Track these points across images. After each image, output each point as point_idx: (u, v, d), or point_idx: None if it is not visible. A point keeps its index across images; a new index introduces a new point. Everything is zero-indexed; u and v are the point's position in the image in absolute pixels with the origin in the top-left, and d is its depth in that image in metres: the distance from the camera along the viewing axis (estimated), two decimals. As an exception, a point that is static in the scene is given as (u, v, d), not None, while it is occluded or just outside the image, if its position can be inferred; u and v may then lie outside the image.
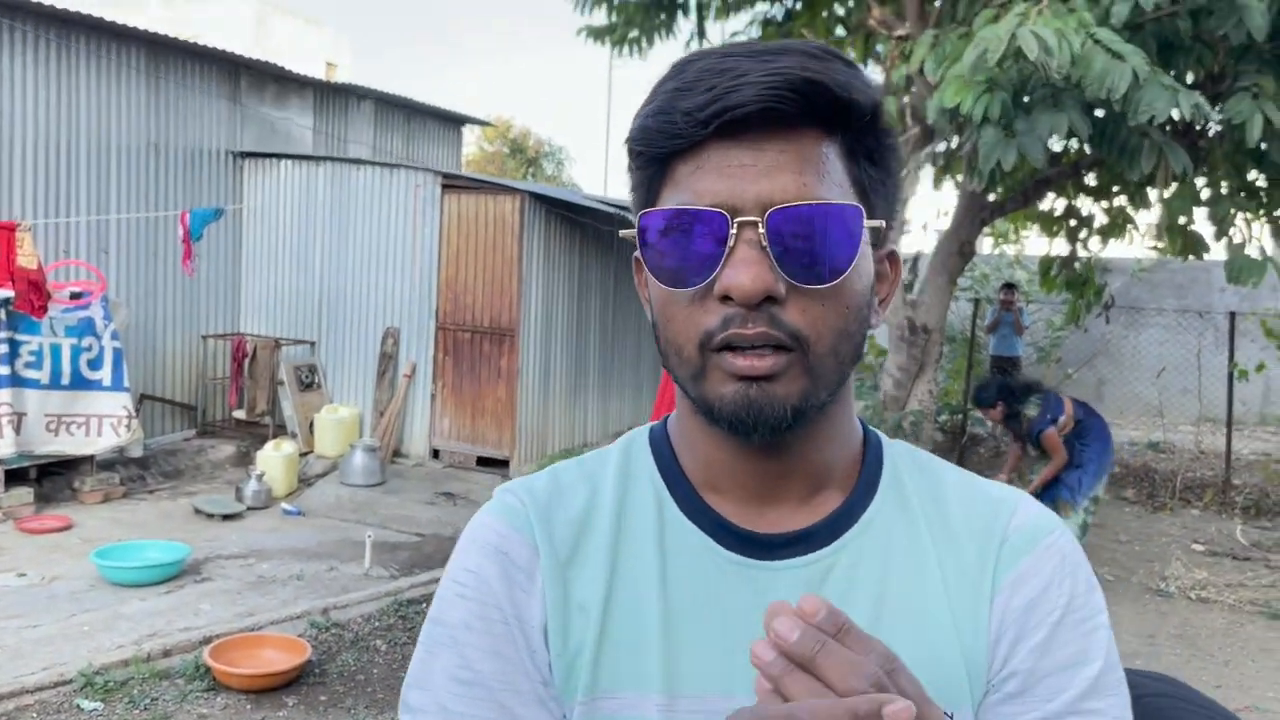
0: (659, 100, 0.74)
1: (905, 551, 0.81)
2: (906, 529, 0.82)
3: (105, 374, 7.04)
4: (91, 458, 7.13)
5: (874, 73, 7.57)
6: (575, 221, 9.49)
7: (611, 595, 0.80)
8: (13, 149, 7.26)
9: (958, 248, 7.50)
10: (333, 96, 10.27)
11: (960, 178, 7.18)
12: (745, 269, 0.70)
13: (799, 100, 0.71)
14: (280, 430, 8.53)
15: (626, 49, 8.05)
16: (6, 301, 6.47)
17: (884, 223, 0.79)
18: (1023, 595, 0.79)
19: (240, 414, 8.66)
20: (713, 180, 0.72)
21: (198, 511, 6.93)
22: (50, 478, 7.05)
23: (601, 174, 43.06)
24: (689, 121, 0.72)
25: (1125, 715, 0.79)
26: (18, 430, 6.59)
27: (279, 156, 9.16)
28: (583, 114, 55.27)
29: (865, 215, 0.75)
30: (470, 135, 27.09)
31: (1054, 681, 0.78)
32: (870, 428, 0.89)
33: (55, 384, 6.81)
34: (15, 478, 6.75)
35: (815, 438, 0.80)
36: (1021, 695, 0.78)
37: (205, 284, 8.87)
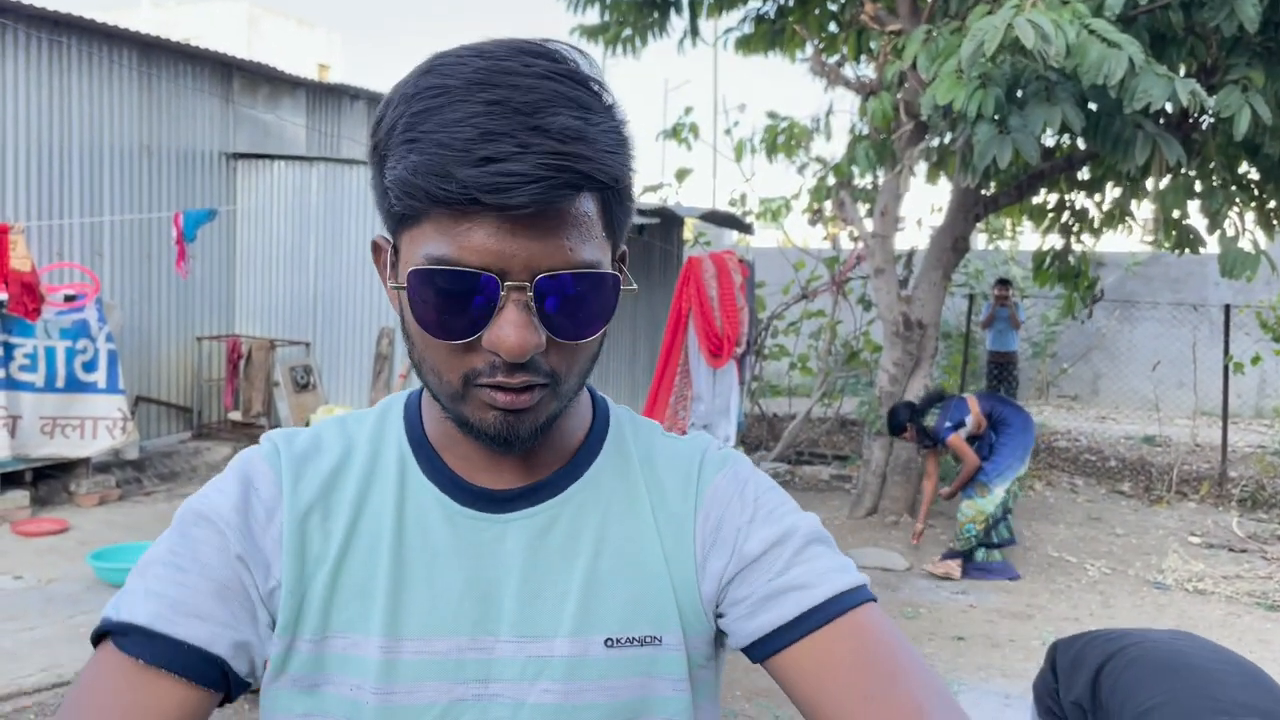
0: (425, 150, 0.72)
1: (624, 502, 0.90)
2: (625, 483, 0.91)
3: (100, 376, 7.02)
4: (87, 460, 7.12)
5: (867, 69, 7.58)
6: (570, 220, 9.50)
7: (348, 546, 0.85)
8: (5, 151, 7.24)
9: (951, 243, 7.50)
10: (325, 97, 10.26)
11: (954, 173, 7.19)
12: (514, 331, 0.75)
13: (572, 193, 0.74)
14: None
15: (620, 48, 8.05)
16: (0, 304, 6.46)
17: (625, 274, 0.86)
18: (713, 518, 0.90)
19: (236, 415, 8.65)
20: (482, 239, 0.74)
21: (194, 513, 6.90)
22: (46, 481, 7.03)
23: (595, 173, 42.99)
24: (467, 197, 0.72)
25: (845, 559, 0.89)
26: (13, 433, 6.58)
27: (272, 157, 9.14)
28: (576, 113, 55.18)
29: (621, 278, 0.81)
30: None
31: (766, 559, 0.87)
32: (598, 393, 0.97)
33: (50, 387, 6.80)
34: (11, 481, 6.73)
35: (551, 428, 0.86)
36: (743, 578, 0.87)
37: (199, 286, 8.86)
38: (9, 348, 6.58)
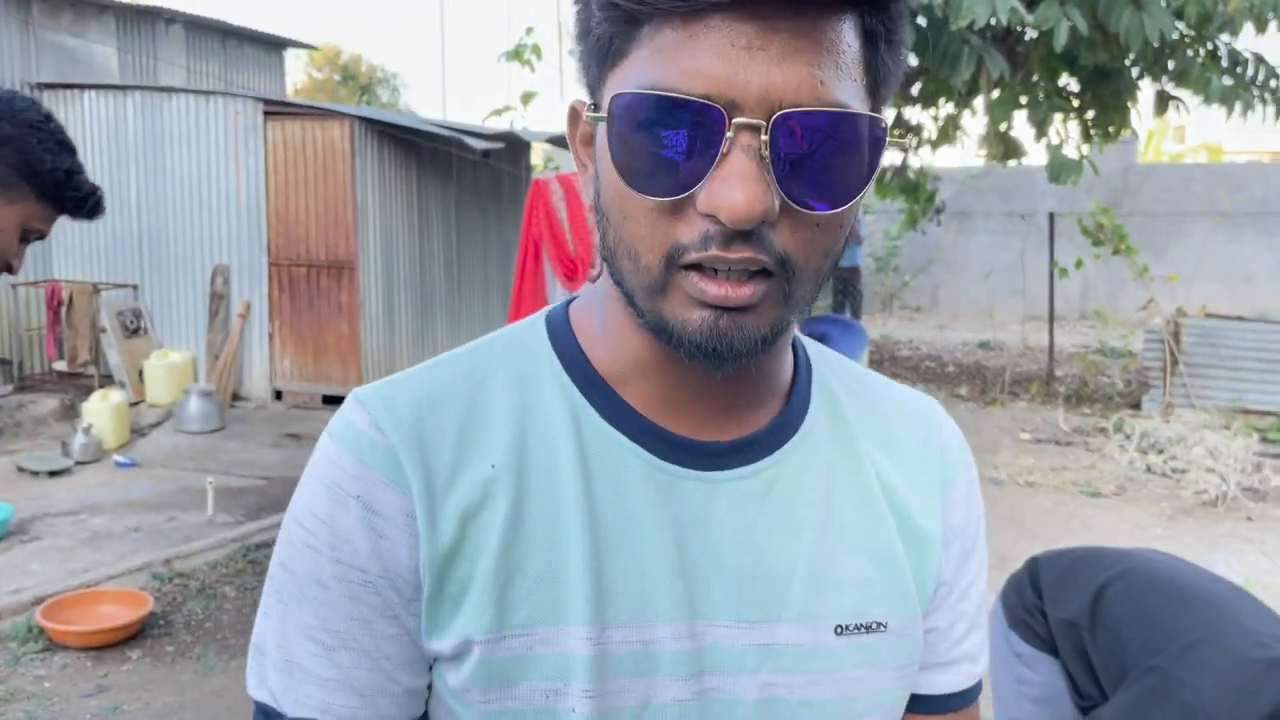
0: None
1: (845, 462, 0.75)
2: (843, 438, 0.76)
3: (-101, 330, 6.47)
4: (-107, 421, 6.58)
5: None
6: (412, 147, 9.19)
7: (519, 519, 0.68)
8: None
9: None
10: (138, 20, 9.56)
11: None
12: (741, 185, 0.57)
13: None
14: (107, 380, 8.06)
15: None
16: None
17: (896, 131, 0.69)
18: (960, 512, 0.80)
19: (61, 365, 8.14)
20: (709, 59, 0.57)
21: (21, 470, 6.50)
22: None
23: (439, 100, 41.87)
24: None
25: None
26: None
27: (82, 87, 8.50)
28: (415, 39, 53.38)
29: (888, 128, 0.62)
30: (298, 64, 25.84)
31: (970, 591, 0.81)
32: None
33: None
34: None
35: (769, 355, 0.70)
36: (947, 601, 0.80)
37: (9, 228, 8.22)
38: None
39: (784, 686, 0.71)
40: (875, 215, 12.67)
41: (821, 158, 0.59)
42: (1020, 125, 7.39)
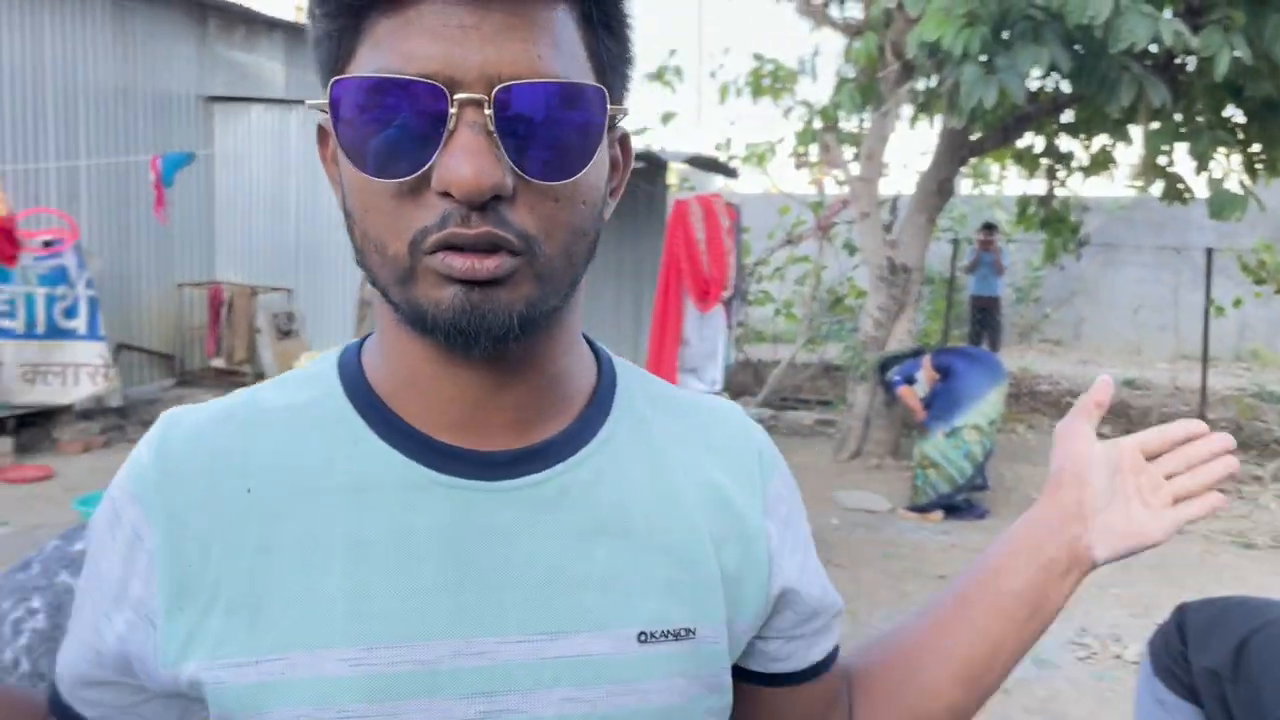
0: None
1: (646, 469, 0.73)
2: (647, 445, 0.74)
3: (81, 323, 6.97)
4: (70, 407, 7.09)
5: (853, 9, 7.49)
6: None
7: (269, 544, 0.65)
8: (-24, 94, 7.11)
9: (937, 186, 7.48)
10: (304, 38, 10.06)
11: (940, 116, 7.15)
12: (469, 159, 0.58)
13: None
14: (260, 378, 8.43)
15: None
16: (-24, 250, 6.38)
17: (623, 107, 0.68)
18: (783, 505, 0.80)
19: (219, 363, 8.62)
20: (425, 42, 0.59)
21: (179, 460, 6.92)
22: (29, 428, 7.00)
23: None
24: None
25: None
26: (-7, 381, 6.54)
27: (250, 100, 9.00)
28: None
29: (608, 97, 0.63)
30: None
31: (804, 570, 0.81)
32: (595, 342, 0.80)
33: (30, 333, 6.75)
34: (-7, 428, 6.72)
35: (542, 348, 0.69)
36: (792, 582, 0.79)
37: (179, 232, 8.76)
38: (-13, 294, 6.52)
39: (585, 702, 0.67)
40: (1017, 244, 12.32)
41: (547, 129, 0.60)
42: (1180, 157, 7.10)
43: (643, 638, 0.69)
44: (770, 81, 7.63)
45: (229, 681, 0.64)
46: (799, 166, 8.82)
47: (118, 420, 7.62)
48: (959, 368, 6.41)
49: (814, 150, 8.28)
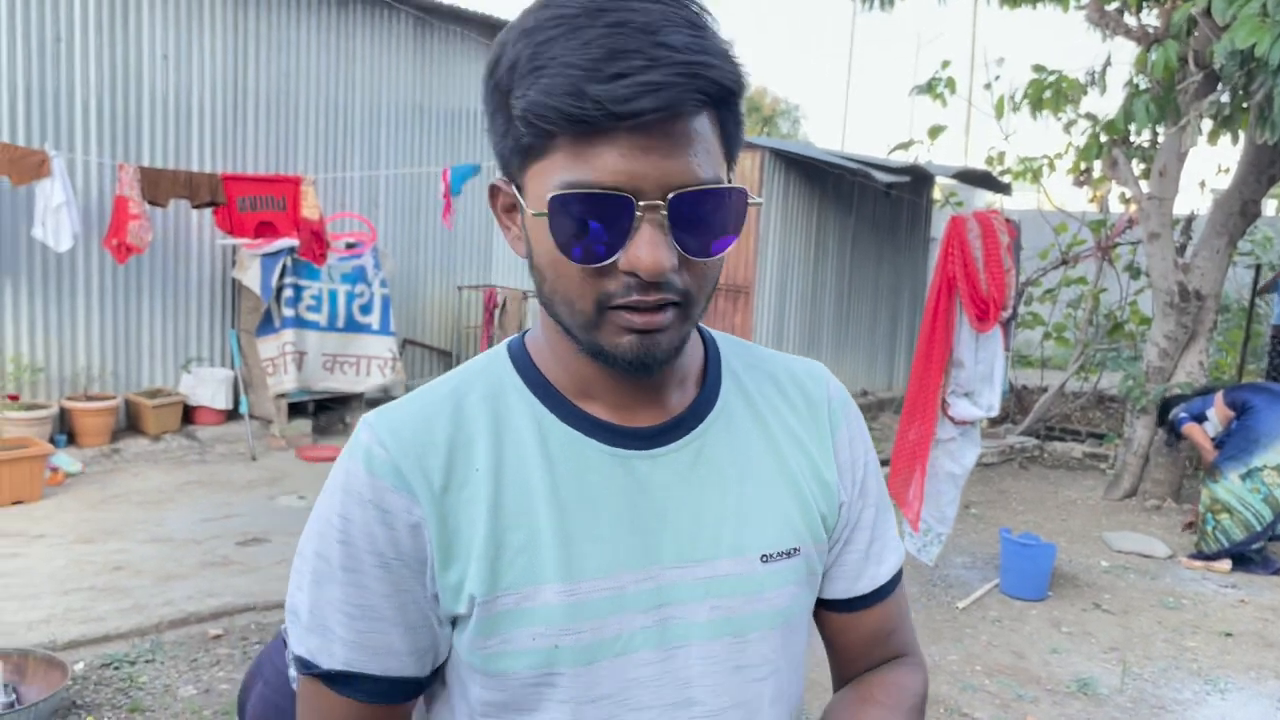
0: (557, 73, 0.76)
1: (754, 425, 0.97)
2: (750, 407, 0.98)
3: (374, 319, 7.61)
4: (360, 395, 7.76)
5: (1151, 16, 6.98)
6: (815, 179, 9.35)
7: (498, 506, 0.87)
8: (298, 108, 7.92)
9: (1240, 207, 6.84)
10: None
11: (1244, 132, 6.53)
12: (651, 250, 0.78)
13: (701, 100, 0.78)
14: (526, 378, 8.93)
15: (873, 1, 7.80)
16: (292, 249, 7.11)
17: (753, 196, 0.87)
18: (846, 453, 1.02)
19: (490, 361, 9.14)
20: (615, 160, 0.77)
21: (451, 450, 7.40)
22: (325, 412, 7.73)
23: (838, 132, 42.04)
24: (601, 112, 0.75)
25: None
26: (300, 367, 7.25)
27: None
28: (819, 69, 54.08)
29: (748, 194, 0.84)
30: (709, 94, 27.12)
31: (864, 513, 1.03)
32: (701, 325, 1.00)
33: (332, 326, 7.44)
34: (296, 410, 7.45)
35: (679, 357, 0.93)
36: (854, 521, 1.03)
37: (461, 238, 9.40)
38: (298, 289, 7.24)
39: (726, 608, 0.91)
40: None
41: (704, 220, 0.81)
42: None
43: (764, 559, 0.93)
44: (1052, 94, 7.23)
45: (480, 616, 0.86)
46: (1079, 183, 8.30)
47: (400, 410, 8.26)
48: (1257, 404, 5.83)
49: (1097, 166, 7.77)
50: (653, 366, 0.84)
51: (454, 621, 0.89)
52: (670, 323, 0.83)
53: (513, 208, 0.88)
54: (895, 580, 1.07)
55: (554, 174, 0.79)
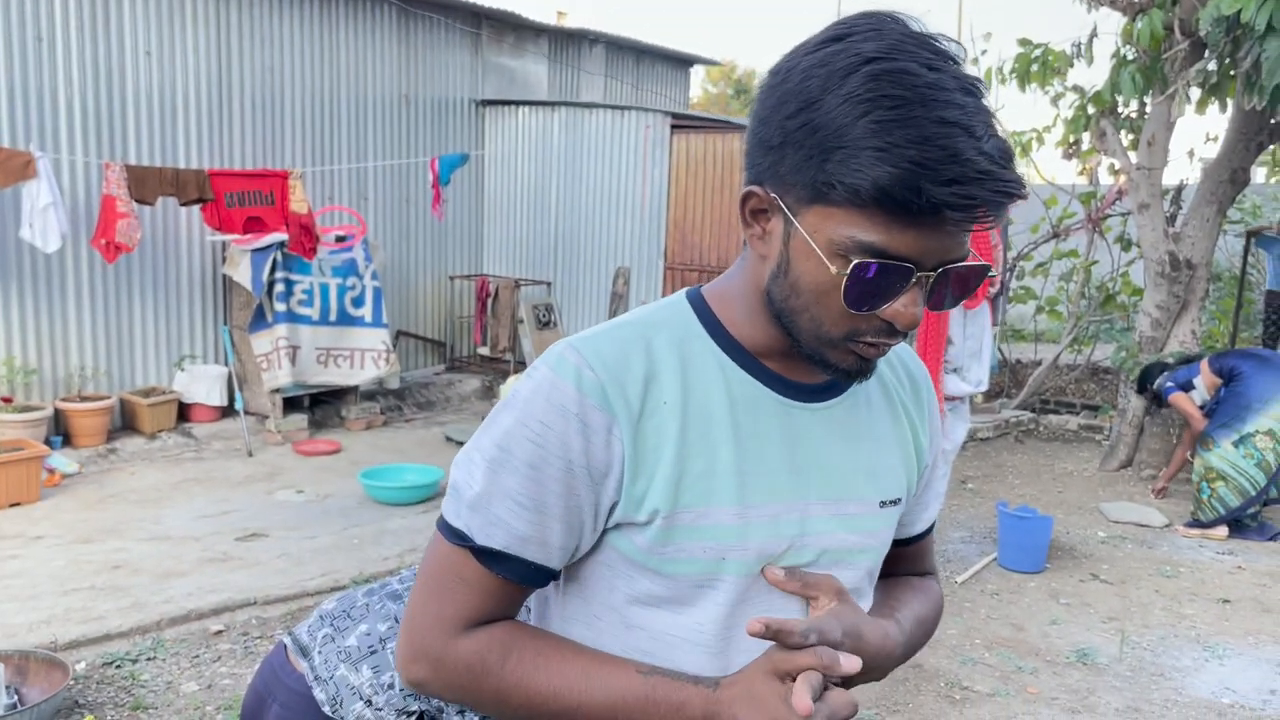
0: (899, 163, 0.86)
1: (881, 395, 1.15)
2: (878, 381, 1.15)
3: (367, 311, 7.60)
4: (356, 388, 7.75)
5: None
6: (805, 158, 9.32)
7: (685, 435, 1.01)
8: (284, 102, 7.88)
9: (1229, 175, 6.84)
10: (566, 42, 10.51)
11: (1231, 100, 6.52)
12: (912, 308, 0.94)
13: (1005, 207, 0.91)
14: (520, 365, 8.94)
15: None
16: (282, 244, 7.08)
17: (989, 266, 1.01)
18: (933, 423, 1.23)
19: (484, 350, 9.15)
20: (915, 237, 0.90)
21: (449, 439, 7.41)
22: (321, 406, 7.72)
23: (830, 112, 41.69)
24: (934, 213, 0.88)
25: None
26: (293, 362, 7.24)
27: (517, 103, 9.49)
28: (810, 51, 53.58)
29: (989, 270, 0.99)
30: (694, 78, 27.07)
31: (935, 473, 1.28)
32: None
33: (324, 320, 7.42)
34: (291, 405, 7.44)
35: None
36: (926, 479, 1.25)
37: (451, 228, 9.37)
38: (289, 284, 7.22)
39: (850, 539, 1.10)
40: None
41: (956, 286, 0.97)
42: None
43: (881, 504, 1.12)
44: (1039, 67, 7.21)
45: (661, 526, 1.01)
46: (1068, 156, 8.29)
47: (395, 401, 8.26)
48: (1246, 370, 5.84)
49: (1085, 138, 7.77)
50: (864, 379, 1.03)
51: (618, 526, 1.03)
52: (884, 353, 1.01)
53: (764, 212, 0.99)
54: (934, 521, 1.32)
55: (850, 227, 0.91)
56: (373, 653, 1.77)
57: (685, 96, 12.67)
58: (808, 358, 1.01)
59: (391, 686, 1.76)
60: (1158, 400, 6.34)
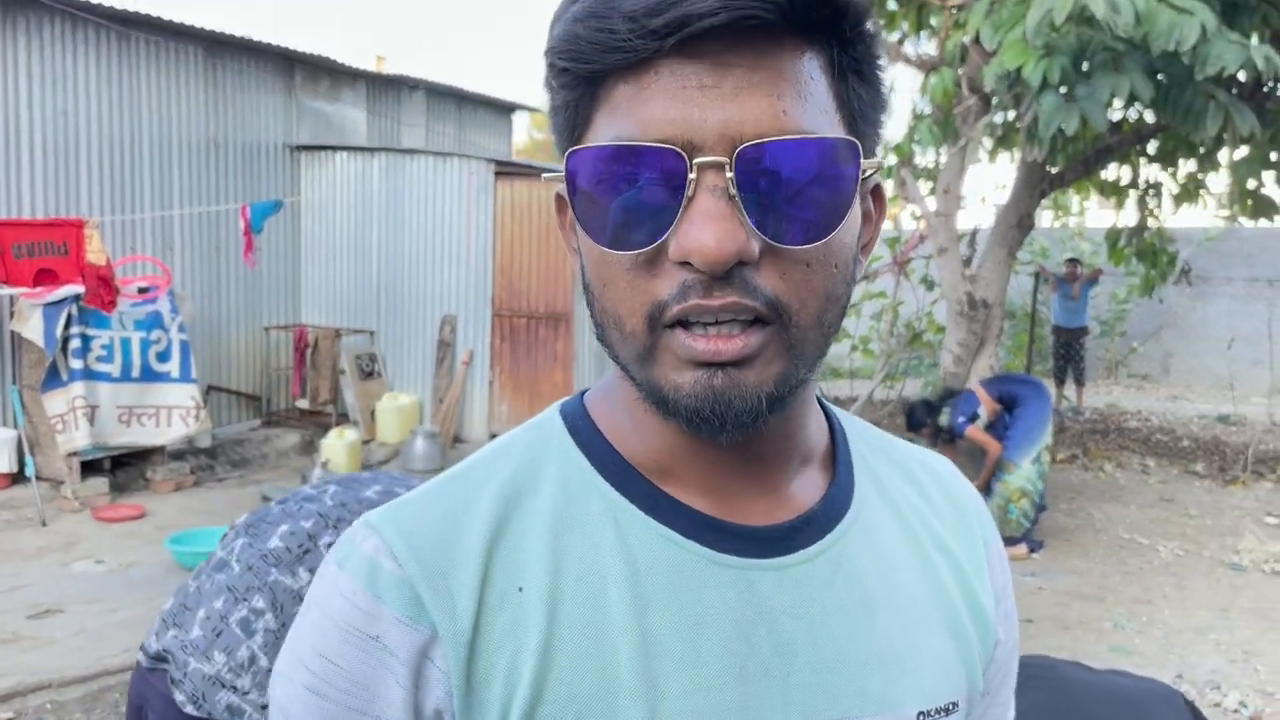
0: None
1: (899, 529, 0.72)
2: (890, 508, 0.72)
3: (173, 366, 7.21)
4: (163, 448, 7.31)
5: (927, 45, 7.45)
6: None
7: (553, 642, 0.61)
8: (79, 147, 7.44)
9: (1017, 220, 7.37)
10: (385, 87, 10.37)
11: (1018, 150, 7.06)
12: (710, 225, 0.54)
13: (780, 4, 0.55)
14: (343, 418, 8.66)
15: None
16: (77, 297, 6.65)
17: (877, 159, 0.63)
18: (1000, 572, 0.77)
19: (304, 403, 8.82)
20: (663, 105, 0.56)
21: (265, 499, 7.07)
22: (123, 468, 7.24)
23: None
24: (635, 30, 0.54)
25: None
26: (92, 422, 6.78)
27: (334, 149, 9.28)
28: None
29: (861, 151, 0.59)
30: (520, 124, 27.25)
31: (1012, 648, 0.79)
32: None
33: (126, 377, 6.99)
34: (90, 468, 6.95)
35: (795, 415, 0.66)
36: (999, 658, 0.77)
37: (266, 276, 9.03)
38: (86, 339, 6.77)
39: None
40: (1109, 276, 12.03)
41: (794, 188, 0.56)
42: (1270, 185, 6.89)
43: (921, 717, 0.67)
44: (844, 118, 7.63)
45: None
46: (874, 202, 8.76)
47: (207, 460, 7.84)
48: (1028, 395, 6.36)
49: (889, 185, 8.23)
50: (727, 420, 0.58)
51: None
52: (755, 350, 0.57)
53: (563, 201, 0.66)
54: None
55: (592, 139, 0.60)
56: (219, 635, 1.73)
57: (508, 144, 12.70)
58: (656, 407, 0.61)
59: (252, 662, 1.70)
60: (949, 436, 6.48)
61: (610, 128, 0.58)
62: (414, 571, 0.61)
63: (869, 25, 0.60)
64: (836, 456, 0.72)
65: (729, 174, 0.55)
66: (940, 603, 0.71)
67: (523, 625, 0.61)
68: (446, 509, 0.64)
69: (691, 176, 0.55)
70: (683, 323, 0.57)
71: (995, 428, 6.29)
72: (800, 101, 0.57)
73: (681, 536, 0.64)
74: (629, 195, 0.57)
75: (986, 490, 6.23)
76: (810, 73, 0.58)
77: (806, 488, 0.69)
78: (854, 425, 0.77)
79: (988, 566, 0.75)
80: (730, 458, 0.65)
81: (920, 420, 6.57)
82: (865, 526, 0.70)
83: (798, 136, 0.56)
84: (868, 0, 0.60)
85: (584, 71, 0.58)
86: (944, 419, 6.49)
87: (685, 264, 0.56)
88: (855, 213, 0.61)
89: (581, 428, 0.68)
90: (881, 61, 0.63)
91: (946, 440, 6.55)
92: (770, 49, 0.56)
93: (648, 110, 0.56)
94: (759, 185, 0.55)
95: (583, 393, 0.72)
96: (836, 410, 0.76)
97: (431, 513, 0.64)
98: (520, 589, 0.62)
